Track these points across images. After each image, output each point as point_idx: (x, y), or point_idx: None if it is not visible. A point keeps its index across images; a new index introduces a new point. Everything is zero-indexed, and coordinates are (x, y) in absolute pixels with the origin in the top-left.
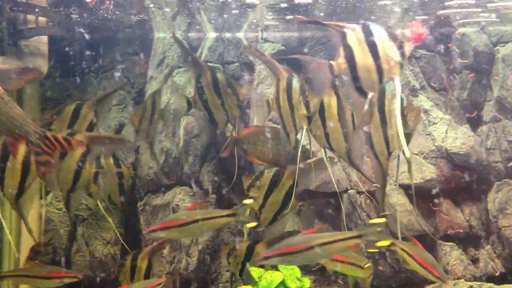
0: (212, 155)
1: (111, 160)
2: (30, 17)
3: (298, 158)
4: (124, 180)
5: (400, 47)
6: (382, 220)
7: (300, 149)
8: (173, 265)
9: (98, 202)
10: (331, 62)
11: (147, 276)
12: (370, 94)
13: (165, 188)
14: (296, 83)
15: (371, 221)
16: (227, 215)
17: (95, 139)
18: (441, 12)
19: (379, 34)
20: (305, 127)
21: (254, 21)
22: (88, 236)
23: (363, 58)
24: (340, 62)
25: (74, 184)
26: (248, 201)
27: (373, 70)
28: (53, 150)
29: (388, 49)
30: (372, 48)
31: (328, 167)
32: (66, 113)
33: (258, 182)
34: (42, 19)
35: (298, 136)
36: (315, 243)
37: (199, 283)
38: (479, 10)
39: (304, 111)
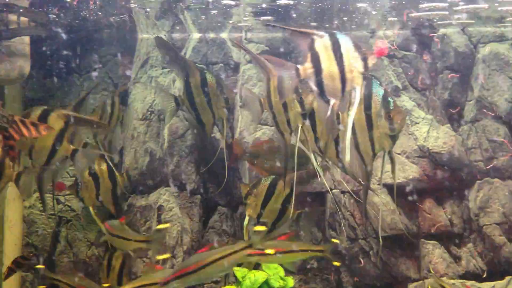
0: (198, 156)
1: (105, 167)
2: (12, 17)
3: (296, 164)
4: (118, 187)
5: (364, 58)
6: (263, 228)
7: (296, 152)
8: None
9: (90, 208)
10: (298, 66)
11: (120, 274)
12: (332, 101)
13: (149, 189)
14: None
15: (256, 228)
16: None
17: (74, 118)
18: (421, 14)
19: (345, 44)
20: (300, 125)
21: (239, 24)
22: (72, 238)
23: (328, 65)
24: (306, 67)
25: (49, 160)
26: (260, 228)
27: (337, 78)
28: (21, 135)
29: (352, 59)
30: (338, 56)
31: (320, 173)
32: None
33: (255, 190)
34: (24, 19)
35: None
36: (209, 261)
37: None
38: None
39: (299, 109)
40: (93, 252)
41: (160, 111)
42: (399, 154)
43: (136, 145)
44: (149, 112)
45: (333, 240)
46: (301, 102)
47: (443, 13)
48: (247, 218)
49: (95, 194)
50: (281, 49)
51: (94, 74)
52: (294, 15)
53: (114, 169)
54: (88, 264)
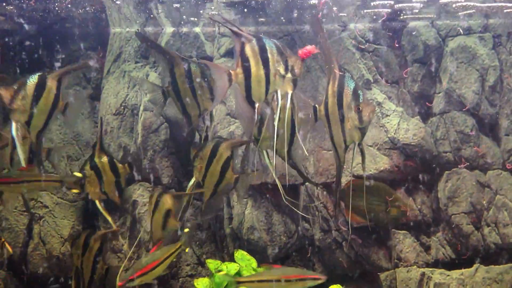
0: (175, 149)
1: (105, 159)
2: None
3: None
4: (121, 179)
5: (287, 62)
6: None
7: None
8: (132, 261)
9: (97, 201)
10: (230, 71)
11: (96, 257)
12: (257, 104)
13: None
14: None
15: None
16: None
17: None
18: (392, 6)
19: (271, 49)
20: (290, 92)
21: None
22: (45, 235)
23: (256, 70)
24: (238, 72)
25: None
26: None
27: (263, 82)
28: None
29: (276, 63)
30: (264, 61)
31: (270, 167)
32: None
33: (201, 153)
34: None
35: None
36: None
37: (159, 278)
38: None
39: (284, 72)
40: (67, 248)
41: (133, 106)
42: (370, 146)
43: (110, 140)
44: (122, 107)
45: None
46: (287, 65)
47: (412, 5)
48: (193, 179)
49: (99, 188)
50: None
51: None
52: (267, 10)
53: (115, 160)
54: (61, 260)
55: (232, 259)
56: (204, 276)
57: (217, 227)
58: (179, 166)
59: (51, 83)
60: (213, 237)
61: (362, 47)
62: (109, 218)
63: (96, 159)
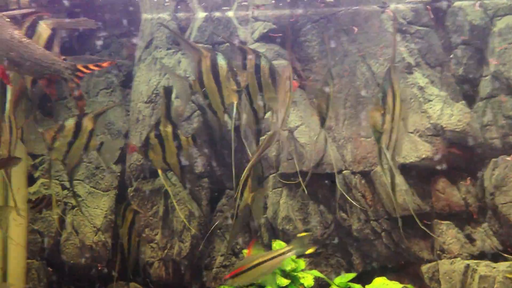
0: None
1: (170, 129)
2: None
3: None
4: (184, 151)
5: (236, 77)
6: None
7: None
8: (165, 251)
9: (159, 170)
10: (191, 80)
11: (130, 229)
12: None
13: (156, 173)
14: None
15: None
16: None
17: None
18: None
19: (222, 64)
20: (235, 102)
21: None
22: (78, 224)
23: (208, 82)
24: (196, 83)
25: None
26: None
27: (216, 94)
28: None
29: (226, 78)
30: (215, 75)
31: (169, 190)
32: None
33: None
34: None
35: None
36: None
37: (192, 269)
38: None
39: (234, 86)
40: (99, 238)
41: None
42: (411, 133)
43: (141, 129)
44: (154, 95)
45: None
46: (237, 80)
47: None
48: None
49: (162, 157)
50: (289, 27)
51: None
52: None
53: (179, 131)
54: (94, 250)
55: (266, 249)
56: None
57: (251, 217)
58: (212, 155)
59: (87, 123)
60: (247, 227)
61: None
62: (170, 191)
63: (161, 127)
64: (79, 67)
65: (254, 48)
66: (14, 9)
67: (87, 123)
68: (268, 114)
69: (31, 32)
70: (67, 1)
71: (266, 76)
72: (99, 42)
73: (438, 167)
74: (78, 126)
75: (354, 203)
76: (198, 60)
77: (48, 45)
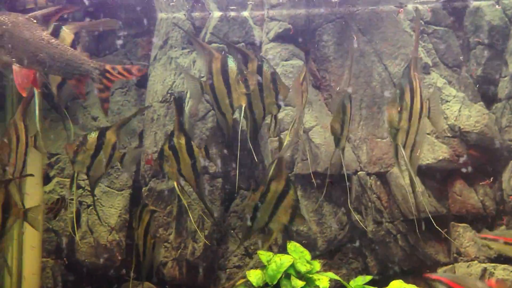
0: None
1: (183, 141)
2: None
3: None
4: (197, 162)
5: (245, 80)
6: None
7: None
8: (179, 251)
9: (175, 183)
10: (203, 80)
11: (146, 230)
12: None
13: None
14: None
15: None
16: None
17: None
18: None
19: (232, 67)
20: (244, 105)
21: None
22: (92, 223)
23: (218, 85)
24: (207, 83)
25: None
26: None
27: (225, 96)
28: (113, 82)
29: (236, 81)
30: (225, 77)
31: (185, 203)
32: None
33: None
34: None
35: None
36: None
37: (206, 269)
38: None
39: (243, 89)
40: (114, 237)
41: (180, 93)
42: (428, 134)
43: (156, 128)
44: (169, 94)
45: None
46: (246, 83)
47: None
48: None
49: (177, 169)
50: (304, 27)
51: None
52: None
53: (192, 143)
54: (109, 249)
55: (280, 251)
56: (251, 268)
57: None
58: (227, 155)
59: (110, 136)
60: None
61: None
62: (185, 202)
63: (175, 139)
64: (107, 67)
65: (268, 48)
66: (29, 8)
67: (110, 136)
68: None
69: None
70: (85, 1)
71: (267, 81)
72: (118, 42)
73: (456, 169)
74: (100, 139)
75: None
76: (209, 61)
77: None
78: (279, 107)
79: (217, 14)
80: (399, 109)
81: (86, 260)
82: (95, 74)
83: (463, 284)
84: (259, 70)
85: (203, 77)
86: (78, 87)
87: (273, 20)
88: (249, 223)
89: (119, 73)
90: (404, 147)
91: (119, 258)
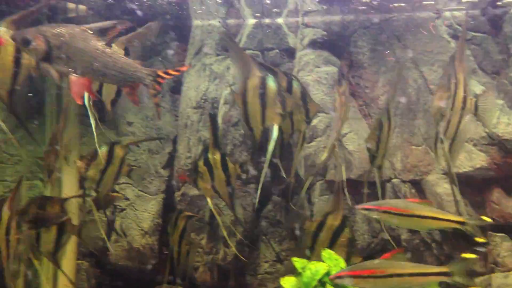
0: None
1: (218, 156)
2: (70, 5)
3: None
4: (231, 178)
5: (283, 101)
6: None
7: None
8: (211, 256)
9: (209, 199)
10: (234, 91)
11: (181, 236)
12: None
13: None
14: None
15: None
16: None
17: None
18: None
19: (270, 86)
20: (276, 125)
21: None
22: (126, 227)
23: (252, 100)
24: (238, 97)
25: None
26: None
27: (258, 114)
28: (162, 85)
29: (272, 101)
30: (261, 95)
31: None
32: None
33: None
34: (82, 7)
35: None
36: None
37: (237, 274)
38: None
39: (279, 110)
40: (147, 241)
41: (214, 99)
42: (465, 141)
43: (190, 134)
44: (202, 100)
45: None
46: (283, 103)
47: None
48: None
49: (211, 185)
50: (339, 34)
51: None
52: None
53: (227, 159)
54: (141, 253)
55: (312, 257)
56: (283, 274)
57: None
58: (259, 161)
59: (119, 151)
60: (292, 234)
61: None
62: (218, 218)
63: (209, 155)
64: (159, 73)
65: (302, 54)
66: (71, 17)
67: (119, 151)
68: None
69: None
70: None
71: (297, 99)
72: (154, 49)
73: (494, 177)
74: (110, 154)
75: None
76: (247, 75)
77: None
78: (308, 123)
79: (251, 21)
80: (445, 97)
81: (120, 263)
82: (148, 80)
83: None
84: (289, 87)
85: (236, 83)
86: (131, 94)
87: (308, 26)
88: (308, 253)
89: (171, 75)
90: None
91: (152, 261)
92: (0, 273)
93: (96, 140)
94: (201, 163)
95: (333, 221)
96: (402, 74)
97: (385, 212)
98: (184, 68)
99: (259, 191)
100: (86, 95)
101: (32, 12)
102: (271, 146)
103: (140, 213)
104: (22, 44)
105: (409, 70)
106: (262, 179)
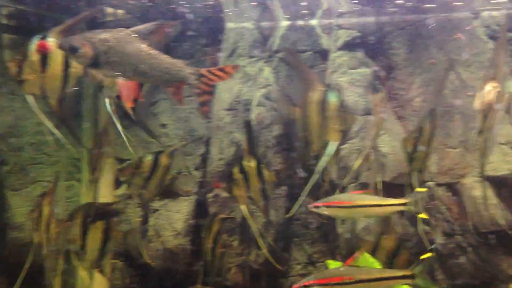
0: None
1: (253, 164)
2: (109, 9)
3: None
4: (267, 185)
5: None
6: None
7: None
8: (242, 257)
9: (243, 207)
10: (293, 107)
11: (215, 240)
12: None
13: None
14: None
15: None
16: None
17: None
18: None
19: (332, 101)
20: (336, 142)
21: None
22: (159, 227)
23: (311, 114)
24: (297, 111)
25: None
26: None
27: (317, 128)
28: (211, 85)
29: (334, 117)
30: (322, 110)
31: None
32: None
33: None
34: (120, 11)
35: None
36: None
37: (269, 276)
38: None
39: (339, 126)
40: (180, 242)
41: (246, 101)
42: (503, 144)
43: (222, 136)
44: (235, 102)
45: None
46: (345, 119)
47: None
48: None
49: (246, 193)
50: (374, 35)
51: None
52: None
53: (262, 166)
54: (175, 253)
55: (344, 260)
56: None
57: (329, 226)
58: (292, 163)
59: (164, 159)
60: (325, 237)
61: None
62: (254, 226)
63: (245, 162)
64: (203, 71)
65: (335, 56)
66: (109, 21)
67: (164, 160)
68: None
69: None
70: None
71: (334, 109)
72: (188, 52)
73: None
74: (155, 162)
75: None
76: (308, 89)
77: None
78: (344, 134)
79: (285, 23)
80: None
81: (153, 263)
82: (192, 79)
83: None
84: (326, 98)
85: (269, 85)
86: (176, 93)
87: (342, 28)
88: None
89: (215, 74)
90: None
91: (185, 262)
92: (39, 269)
93: (127, 143)
94: (236, 170)
95: (388, 243)
96: (448, 75)
97: (330, 206)
98: (228, 68)
99: (299, 202)
100: (107, 101)
101: (78, 21)
102: (323, 161)
103: (173, 214)
104: (70, 52)
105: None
106: (305, 191)
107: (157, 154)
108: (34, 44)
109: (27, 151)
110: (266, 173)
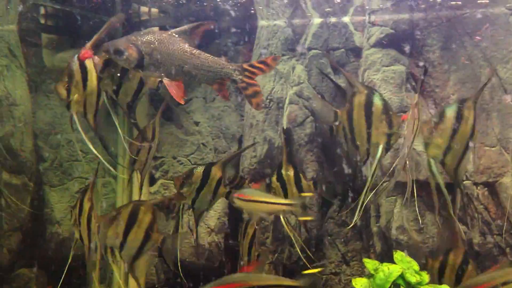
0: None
1: (292, 173)
2: (143, 9)
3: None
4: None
5: (390, 119)
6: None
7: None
8: (276, 255)
9: (282, 217)
10: (337, 110)
11: (251, 243)
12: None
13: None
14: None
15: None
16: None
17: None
18: None
19: (377, 103)
20: (382, 145)
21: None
22: (193, 224)
23: (358, 119)
24: (343, 113)
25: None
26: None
27: (364, 132)
28: (255, 78)
29: (379, 119)
30: (368, 114)
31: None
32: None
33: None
34: (154, 10)
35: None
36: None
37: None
38: None
39: (386, 129)
40: (213, 239)
41: (279, 99)
42: None
43: (255, 134)
44: (268, 100)
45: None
46: (390, 122)
47: None
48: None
49: None
50: (408, 32)
51: None
52: None
53: (301, 175)
54: (209, 250)
55: (378, 259)
56: (348, 275)
57: (363, 225)
58: (324, 161)
59: (215, 172)
60: (358, 235)
61: None
62: (291, 234)
63: (283, 171)
64: (245, 66)
65: (369, 53)
66: (144, 20)
67: (215, 172)
68: None
69: None
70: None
71: (378, 112)
72: (220, 50)
73: None
74: (206, 174)
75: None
76: (352, 93)
77: None
78: (388, 137)
79: (317, 20)
80: None
81: (187, 260)
82: (235, 75)
83: None
84: (370, 101)
85: (302, 83)
86: (221, 90)
87: (375, 25)
88: None
89: (257, 67)
90: None
91: (219, 259)
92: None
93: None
94: (274, 178)
95: (456, 259)
96: (493, 74)
97: (240, 199)
98: (269, 60)
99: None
100: (104, 93)
101: (105, 31)
102: (374, 166)
103: (207, 211)
104: (115, 55)
105: (482, 68)
106: (361, 201)
107: (209, 166)
108: (76, 62)
109: (64, 148)
110: (304, 182)
